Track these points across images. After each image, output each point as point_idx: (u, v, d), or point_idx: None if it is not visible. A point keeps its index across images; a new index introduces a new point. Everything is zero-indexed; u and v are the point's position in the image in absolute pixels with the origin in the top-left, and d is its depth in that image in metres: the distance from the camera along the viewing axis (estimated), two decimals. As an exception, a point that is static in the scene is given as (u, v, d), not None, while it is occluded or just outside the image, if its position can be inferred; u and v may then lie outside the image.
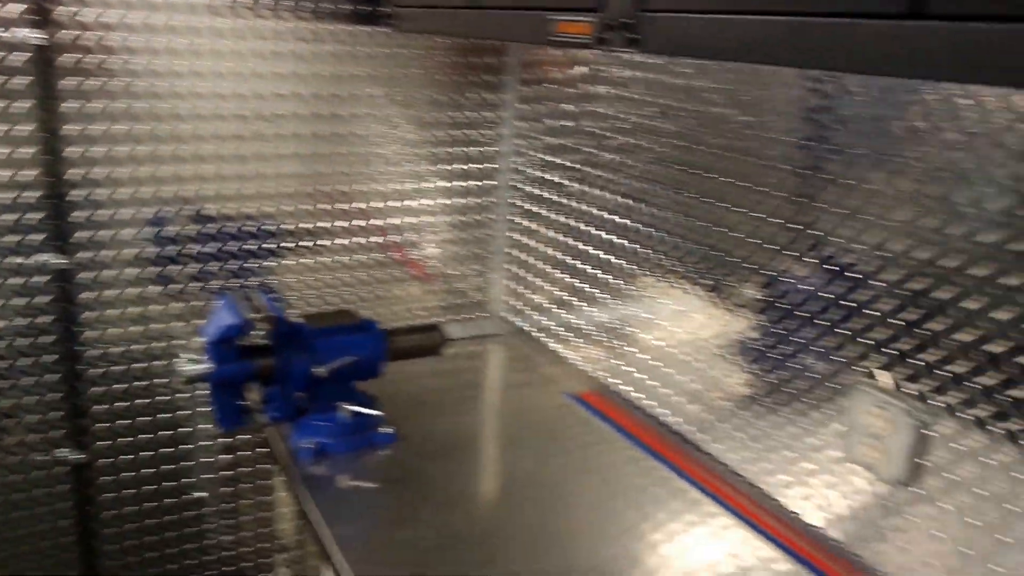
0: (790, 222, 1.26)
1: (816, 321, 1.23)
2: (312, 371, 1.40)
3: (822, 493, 1.23)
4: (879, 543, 1.15)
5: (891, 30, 0.65)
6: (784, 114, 1.26)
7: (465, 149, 1.95)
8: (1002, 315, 0.98)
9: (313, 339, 1.42)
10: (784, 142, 1.26)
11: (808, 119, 1.22)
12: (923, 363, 1.08)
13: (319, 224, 1.85)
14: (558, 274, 1.86)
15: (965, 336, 1.02)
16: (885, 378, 1.12)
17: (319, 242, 1.86)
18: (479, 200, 2.01)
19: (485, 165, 1.99)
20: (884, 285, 1.12)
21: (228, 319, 1.34)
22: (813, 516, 1.25)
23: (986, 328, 1.00)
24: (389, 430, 1.48)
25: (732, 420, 1.41)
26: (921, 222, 1.07)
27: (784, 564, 1.19)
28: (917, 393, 1.09)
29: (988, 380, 1.00)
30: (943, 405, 1.06)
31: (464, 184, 1.98)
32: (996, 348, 0.99)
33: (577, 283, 1.80)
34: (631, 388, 1.65)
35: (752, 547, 1.23)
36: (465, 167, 1.97)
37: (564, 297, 1.85)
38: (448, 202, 1.97)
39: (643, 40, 0.89)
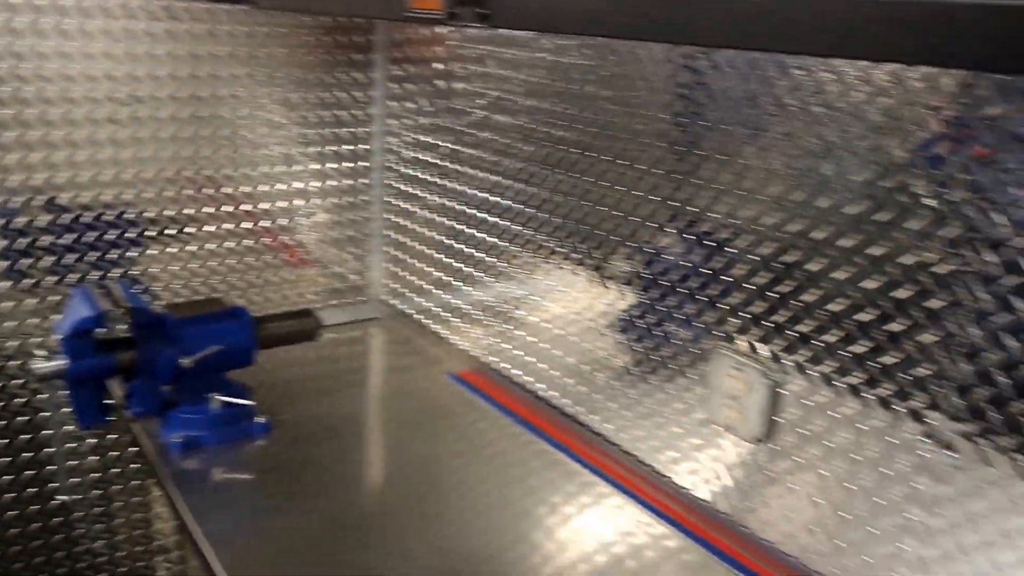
0: (668, 199, 1.29)
1: (696, 297, 1.27)
2: (178, 362, 1.35)
3: (708, 466, 1.27)
4: (763, 512, 1.19)
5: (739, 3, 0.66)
6: (658, 90, 1.29)
7: (336, 130, 1.91)
8: (871, 284, 1.03)
9: (178, 329, 1.36)
10: (660, 119, 1.29)
11: (681, 95, 1.25)
12: (796, 334, 1.12)
13: (184, 211, 1.78)
14: (438, 255, 1.86)
15: (836, 306, 1.07)
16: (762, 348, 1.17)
17: (186, 230, 1.79)
18: (353, 182, 1.97)
19: (358, 146, 1.95)
20: (758, 259, 1.16)
21: (83, 311, 1.28)
22: (701, 490, 1.29)
23: (855, 297, 1.05)
24: (264, 419, 1.45)
25: (618, 398, 1.44)
26: (792, 196, 1.11)
27: (675, 540, 1.22)
28: (771, 354, 1.14)
29: (859, 348, 1.05)
30: (819, 374, 1.11)
31: (336, 166, 1.94)
32: (865, 317, 1.04)
33: (457, 264, 1.80)
34: (515, 367, 1.66)
35: (644, 525, 1.25)
36: (337, 149, 1.93)
37: (445, 278, 1.84)
38: (321, 185, 1.93)
39: (492, 15, 0.89)
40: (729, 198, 1.18)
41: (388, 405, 1.64)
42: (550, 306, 1.55)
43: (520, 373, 1.64)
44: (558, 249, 1.51)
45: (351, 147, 1.94)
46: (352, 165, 1.96)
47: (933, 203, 0.95)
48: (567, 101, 1.45)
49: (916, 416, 1.00)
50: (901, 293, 0.99)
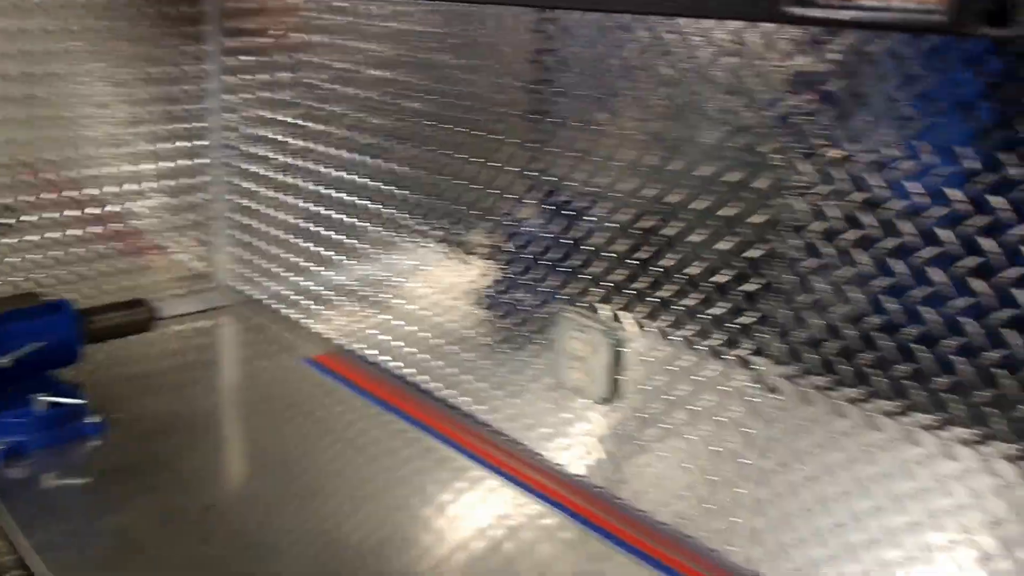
0: (526, 169, 1.26)
1: (557, 267, 1.25)
2: (-9, 361, 1.22)
3: (580, 441, 1.26)
4: (634, 482, 1.20)
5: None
6: (509, 57, 1.26)
7: (168, 107, 1.78)
8: (723, 245, 1.04)
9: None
10: (512, 87, 1.26)
11: (533, 62, 1.23)
12: (658, 299, 1.13)
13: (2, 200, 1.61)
14: (289, 237, 1.77)
15: (694, 269, 1.08)
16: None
17: (2, 220, 1.62)
18: (190, 162, 1.84)
19: (192, 124, 1.82)
20: (616, 226, 1.15)
21: None
22: (575, 465, 1.28)
23: (709, 259, 1.06)
24: (97, 419, 1.33)
25: (487, 377, 1.40)
26: (645, 160, 1.10)
27: (551, 518, 1.20)
28: (612, 314, 1.15)
29: (718, 310, 1.06)
30: (656, 330, 1.12)
31: (171, 146, 1.81)
32: (721, 278, 1.05)
33: (311, 246, 1.71)
34: (378, 350, 1.60)
35: (520, 506, 1.23)
36: (169, 127, 1.79)
37: (298, 261, 1.76)
38: (155, 167, 1.79)
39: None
40: (585, 165, 1.17)
41: (239, 396, 1.55)
42: (412, 286, 1.50)
43: (385, 356, 1.58)
44: (417, 226, 1.46)
45: (186, 125, 1.81)
46: (188, 144, 1.83)
47: (781, 161, 0.97)
48: (417, 71, 1.41)
49: (744, 363, 1.03)
50: (725, 244, 1.02)
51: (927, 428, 0.89)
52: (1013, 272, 0.82)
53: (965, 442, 0.87)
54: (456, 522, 1.18)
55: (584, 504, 1.22)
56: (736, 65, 0.99)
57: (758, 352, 1.02)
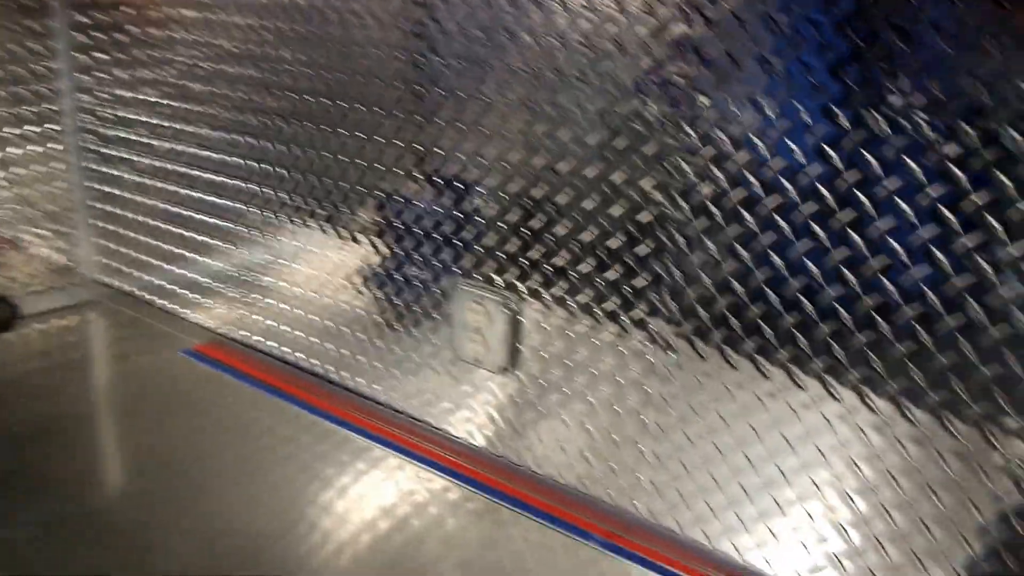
0: (412, 143, 1.24)
1: (451, 242, 1.24)
2: None
3: (481, 412, 1.26)
4: (537, 448, 1.21)
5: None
6: (390, 29, 1.22)
7: (14, 89, 1.64)
8: (615, 210, 1.05)
9: None
10: (395, 59, 1.23)
11: (415, 33, 1.20)
12: (552, 267, 1.14)
13: None
14: (159, 224, 1.67)
15: (586, 236, 1.09)
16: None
17: None
18: (42, 148, 1.71)
19: (42, 107, 1.69)
20: (506, 197, 1.15)
21: None
22: (476, 436, 1.28)
23: (600, 225, 1.07)
24: (-37, 431, 1.23)
25: (382, 357, 1.38)
26: (533, 129, 1.10)
27: (456, 491, 1.21)
28: (504, 283, 1.16)
29: (612, 274, 1.09)
30: (552, 297, 1.14)
31: (18, 131, 1.67)
32: (614, 243, 1.07)
33: (183, 232, 1.63)
34: (266, 337, 1.55)
35: (424, 481, 1.22)
36: (15, 111, 1.66)
37: (171, 249, 1.67)
38: (1, 155, 1.66)
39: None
40: (472, 137, 1.16)
41: (117, 393, 1.47)
42: (297, 268, 1.45)
43: (273, 342, 1.53)
44: (299, 207, 1.41)
45: (34, 108, 1.68)
46: (38, 129, 1.70)
47: (664, 125, 1.00)
48: (291, 45, 1.35)
49: (640, 324, 1.06)
50: (616, 210, 1.04)
51: (812, 375, 0.95)
52: (883, 224, 0.88)
53: (846, 384, 0.93)
54: (359, 503, 1.16)
55: (488, 473, 1.23)
56: (618, 32, 1.01)
57: (652, 313, 1.05)
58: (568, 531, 1.12)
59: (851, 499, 0.95)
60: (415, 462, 1.26)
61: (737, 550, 1.04)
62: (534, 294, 1.14)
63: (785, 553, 1.01)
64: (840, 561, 0.97)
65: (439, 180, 1.21)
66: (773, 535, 1.01)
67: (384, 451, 1.29)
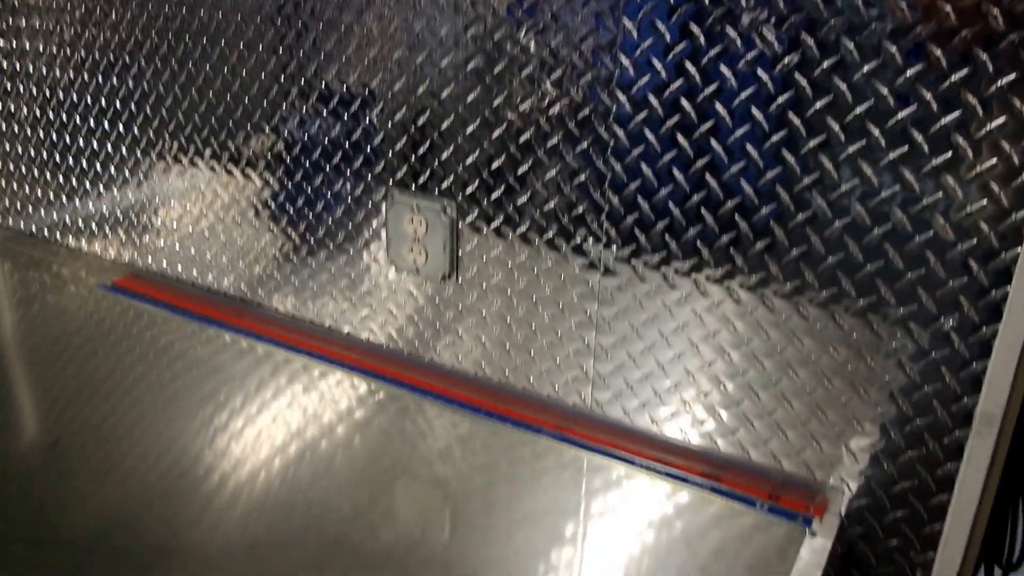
0: (296, 75, 1.26)
1: (336, 164, 1.28)
2: None
3: (400, 315, 1.32)
4: (476, 351, 1.29)
5: None
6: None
7: None
8: (499, 132, 1.11)
9: None
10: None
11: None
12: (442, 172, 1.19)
13: None
14: (56, 159, 1.65)
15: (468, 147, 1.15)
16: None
17: None
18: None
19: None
20: (391, 124, 1.19)
21: None
22: (398, 340, 1.34)
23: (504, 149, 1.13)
24: None
25: (298, 274, 1.42)
26: (395, 55, 1.14)
27: (383, 392, 1.27)
28: (441, 191, 1.21)
29: (499, 190, 1.14)
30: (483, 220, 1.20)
31: None
32: (498, 164, 1.13)
33: (82, 167, 1.62)
34: (179, 265, 1.57)
35: (350, 386, 1.29)
36: None
37: (71, 186, 1.65)
38: None
39: None
40: (355, 65, 1.19)
41: (39, 333, 1.48)
42: (196, 204, 1.47)
43: (193, 272, 1.56)
44: (191, 144, 1.42)
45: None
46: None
47: (535, 49, 1.05)
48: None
49: (578, 250, 1.13)
50: (527, 136, 1.10)
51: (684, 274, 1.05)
52: (739, 131, 0.96)
53: (711, 279, 1.03)
54: (285, 414, 1.23)
55: (430, 381, 1.30)
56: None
57: (591, 238, 1.12)
58: (519, 427, 1.20)
59: (754, 392, 1.06)
60: (339, 368, 1.33)
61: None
62: (471, 200, 1.18)
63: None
64: (736, 438, 1.09)
65: (326, 109, 1.24)
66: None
67: (306, 361, 1.35)
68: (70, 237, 1.71)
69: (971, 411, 0.91)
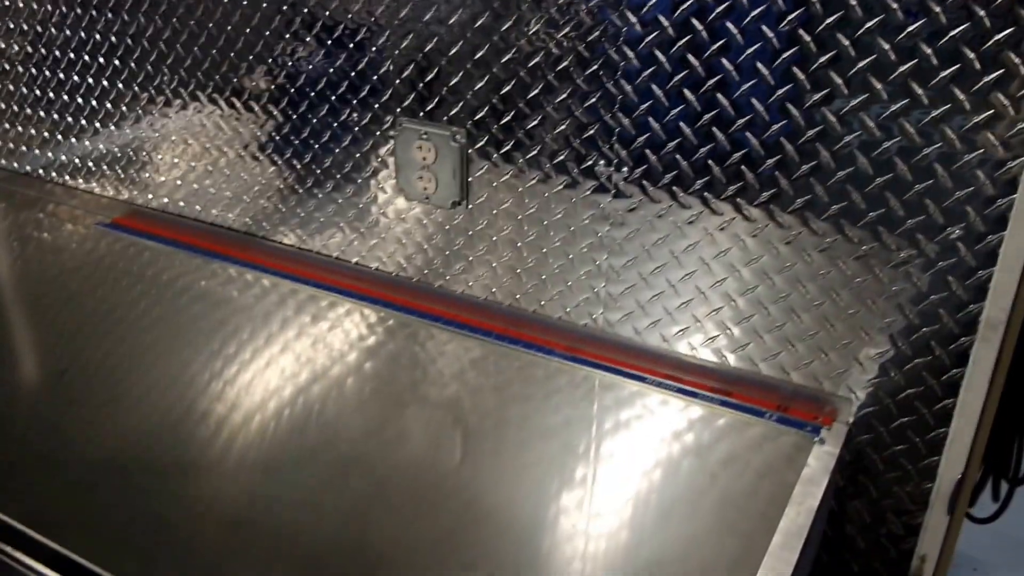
0: (300, 5, 1.24)
1: (342, 94, 1.28)
2: None
3: (395, 239, 1.34)
4: (452, 272, 1.30)
5: None
6: None
7: None
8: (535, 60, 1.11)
9: None
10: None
11: None
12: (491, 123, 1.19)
13: None
14: (51, 96, 1.63)
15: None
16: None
17: None
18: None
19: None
20: (398, 52, 1.18)
21: None
22: (408, 268, 1.35)
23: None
24: None
25: (295, 207, 1.43)
26: None
27: (392, 320, 1.29)
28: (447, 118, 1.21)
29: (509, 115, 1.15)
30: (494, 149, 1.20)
31: None
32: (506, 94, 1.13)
33: (78, 104, 1.60)
34: (184, 203, 1.56)
35: (359, 316, 1.30)
36: None
37: (66, 122, 1.63)
38: None
39: None
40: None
41: (29, 275, 1.48)
42: (197, 139, 1.46)
43: (197, 207, 1.56)
44: (192, 78, 1.41)
45: None
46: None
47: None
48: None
49: (589, 173, 1.13)
50: (537, 60, 1.10)
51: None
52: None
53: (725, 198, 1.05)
54: (299, 345, 1.25)
55: (438, 306, 1.33)
56: None
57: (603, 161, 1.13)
58: (530, 350, 1.23)
59: (764, 307, 1.09)
60: (359, 301, 1.34)
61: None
62: (480, 125, 1.19)
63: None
64: (746, 353, 1.12)
65: (331, 40, 1.24)
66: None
67: (314, 291, 1.37)
68: (66, 176, 1.69)
69: (976, 318, 0.94)
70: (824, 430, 1.05)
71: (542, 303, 1.24)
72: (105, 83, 1.53)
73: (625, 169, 1.09)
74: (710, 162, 1.04)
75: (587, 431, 1.08)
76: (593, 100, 1.08)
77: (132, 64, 1.47)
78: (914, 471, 1.06)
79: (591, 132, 1.10)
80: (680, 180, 1.06)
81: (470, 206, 1.24)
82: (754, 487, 0.97)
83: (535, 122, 1.14)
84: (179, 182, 1.53)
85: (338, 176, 1.34)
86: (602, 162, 1.11)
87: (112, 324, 1.29)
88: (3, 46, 1.63)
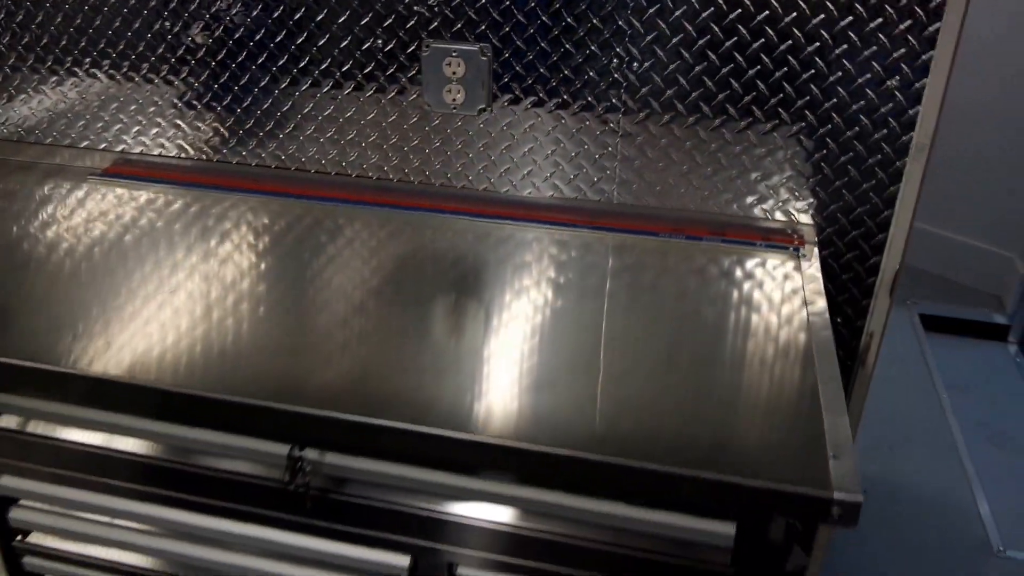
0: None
1: (366, 24, 1.44)
2: None
3: (420, 150, 1.53)
4: (534, 173, 1.52)
5: None
6: None
7: None
8: None
9: None
10: None
11: None
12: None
13: None
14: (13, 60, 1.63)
15: None
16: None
17: None
18: None
19: None
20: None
21: None
22: (467, 180, 1.54)
23: None
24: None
25: (325, 124, 1.57)
26: None
27: (399, 218, 1.49)
28: (474, 36, 1.42)
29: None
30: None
31: None
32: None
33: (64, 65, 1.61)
34: (173, 146, 1.64)
35: (373, 219, 1.48)
36: None
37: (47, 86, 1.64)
38: None
39: None
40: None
41: (54, 226, 1.51)
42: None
43: (189, 148, 1.64)
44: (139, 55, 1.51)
45: None
46: None
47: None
48: None
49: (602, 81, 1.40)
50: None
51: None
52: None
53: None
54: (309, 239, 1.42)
55: (494, 207, 1.54)
56: None
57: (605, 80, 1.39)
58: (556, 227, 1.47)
59: (748, 170, 1.41)
60: (403, 211, 1.53)
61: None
62: (503, 40, 1.40)
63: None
64: (735, 205, 1.44)
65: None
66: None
67: (355, 210, 1.53)
68: (53, 136, 1.70)
69: (907, 145, 1.33)
70: (802, 249, 1.41)
71: (562, 191, 1.51)
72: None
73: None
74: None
75: (602, 277, 1.35)
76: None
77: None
78: (862, 270, 1.44)
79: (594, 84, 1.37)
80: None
81: (493, 111, 1.47)
82: (769, 289, 1.31)
83: (558, 32, 1.39)
84: (155, 132, 1.62)
85: (361, 99, 1.51)
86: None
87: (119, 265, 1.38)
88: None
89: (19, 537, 1.34)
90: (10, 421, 1.25)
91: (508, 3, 1.38)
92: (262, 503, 1.17)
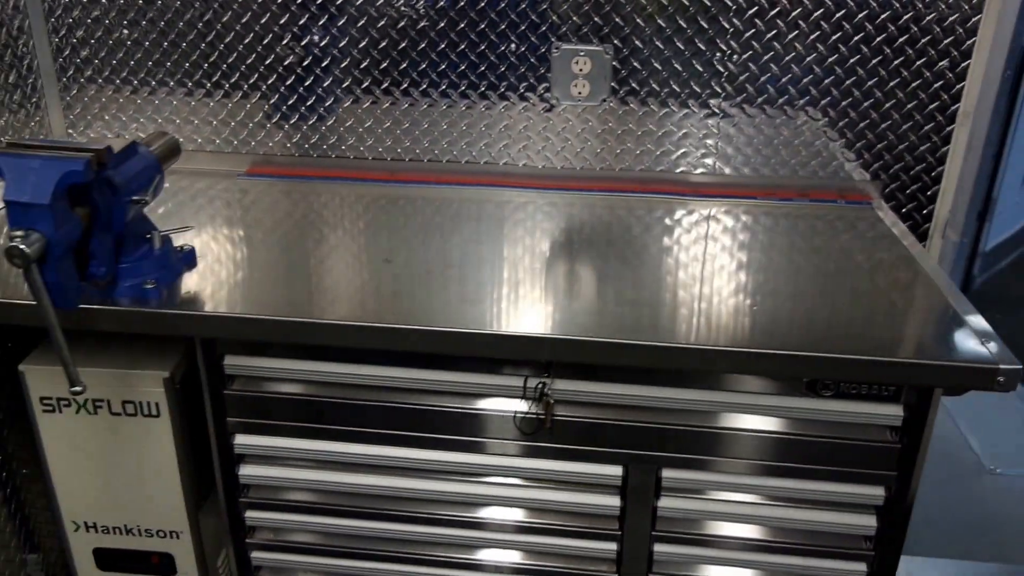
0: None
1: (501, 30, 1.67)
2: (131, 202, 1.24)
3: (544, 138, 1.76)
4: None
5: None
6: None
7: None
8: None
9: (117, 164, 1.23)
10: None
11: None
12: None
13: None
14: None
15: None
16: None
17: None
18: None
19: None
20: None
21: (56, 167, 1.10)
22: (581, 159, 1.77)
23: None
24: (189, 245, 1.40)
25: (463, 125, 1.77)
26: None
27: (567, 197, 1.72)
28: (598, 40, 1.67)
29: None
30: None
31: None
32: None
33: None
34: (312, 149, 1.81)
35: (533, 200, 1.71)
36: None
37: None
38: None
39: None
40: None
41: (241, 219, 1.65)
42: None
43: (337, 147, 1.81)
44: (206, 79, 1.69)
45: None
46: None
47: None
48: None
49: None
50: None
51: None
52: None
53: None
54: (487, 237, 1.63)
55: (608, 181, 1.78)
56: None
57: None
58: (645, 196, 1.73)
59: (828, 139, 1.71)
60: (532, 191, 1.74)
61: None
62: (624, 41, 1.66)
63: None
64: (816, 172, 1.75)
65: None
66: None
67: (486, 193, 1.74)
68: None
69: (955, 113, 1.66)
70: (874, 203, 1.72)
71: (643, 167, 1.78)
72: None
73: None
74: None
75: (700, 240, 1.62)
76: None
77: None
78: (919, 217, 1.76)
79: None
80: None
81: (613, 102, 1.73)
82: (860, 237, 1.61)
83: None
84: (331, 120, 1.80)
85: (493, 97, 1.73)
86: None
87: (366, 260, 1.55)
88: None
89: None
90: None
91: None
92: (503, 433, 1.35)
